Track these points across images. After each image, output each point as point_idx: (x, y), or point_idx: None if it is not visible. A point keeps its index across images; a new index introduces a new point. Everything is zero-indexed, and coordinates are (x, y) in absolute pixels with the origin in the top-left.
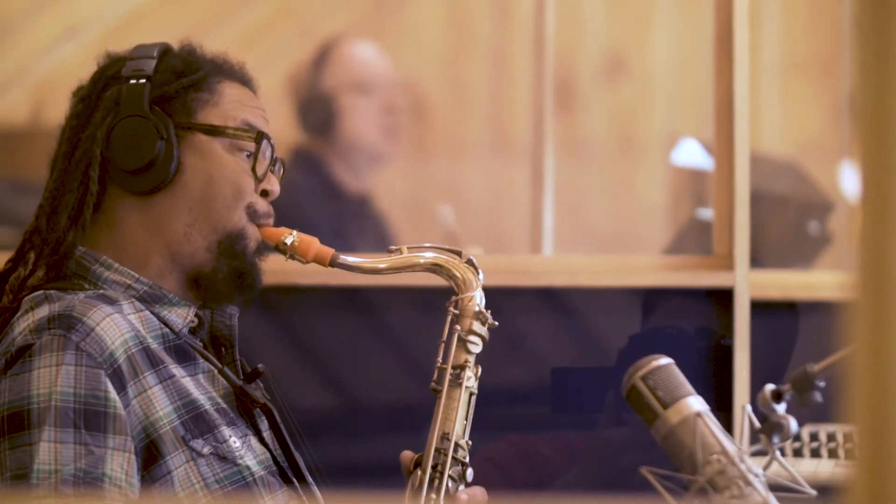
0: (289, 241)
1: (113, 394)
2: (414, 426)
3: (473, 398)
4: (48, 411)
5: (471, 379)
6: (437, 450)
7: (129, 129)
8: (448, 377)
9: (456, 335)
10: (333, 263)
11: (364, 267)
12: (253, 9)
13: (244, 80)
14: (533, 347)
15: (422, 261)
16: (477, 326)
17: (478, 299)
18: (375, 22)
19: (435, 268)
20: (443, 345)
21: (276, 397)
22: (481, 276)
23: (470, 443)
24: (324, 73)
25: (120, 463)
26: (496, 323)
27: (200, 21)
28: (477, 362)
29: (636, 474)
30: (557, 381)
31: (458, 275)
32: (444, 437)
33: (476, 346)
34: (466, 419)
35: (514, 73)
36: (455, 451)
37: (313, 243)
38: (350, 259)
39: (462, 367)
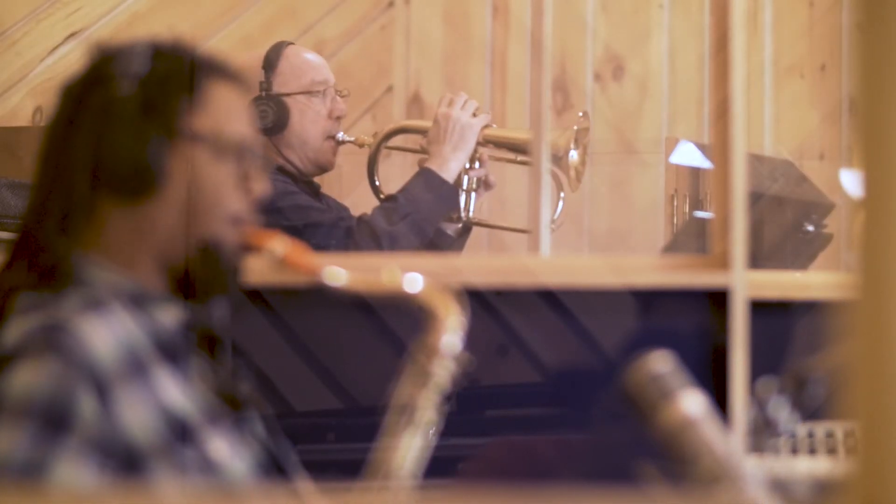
0: (276, 250)
1: (89, 399)
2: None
3: (431, 435)
4: (17, 406)
5: (429, 418)
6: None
7: (116, 135)
8: (404, 417)
9: (419, 371)
10: (319, 278)
11: (350, 288)
12: (253, 10)
13: (235, 82)
14: (531, 347)
15: (407, 290)
16: (444, 367)
17: (452, 340)
18: (375, 22)
19: (416, 299)
20: (403, 379)
21: (270, 397)
22: (463, 313)
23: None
24: (276, 77)
25: (75, 466)
26: (469, 364)
27: (200, 23)
28: (444, 400)
29: (635, 473)
30: (556, 381)
31: (437, 311)
32: (388, 472)
33: (440, 387)
34: (419, 456)
35: (514, 74)
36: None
37: (301, 255)
38: (336, 277)
39: (422, 405)
